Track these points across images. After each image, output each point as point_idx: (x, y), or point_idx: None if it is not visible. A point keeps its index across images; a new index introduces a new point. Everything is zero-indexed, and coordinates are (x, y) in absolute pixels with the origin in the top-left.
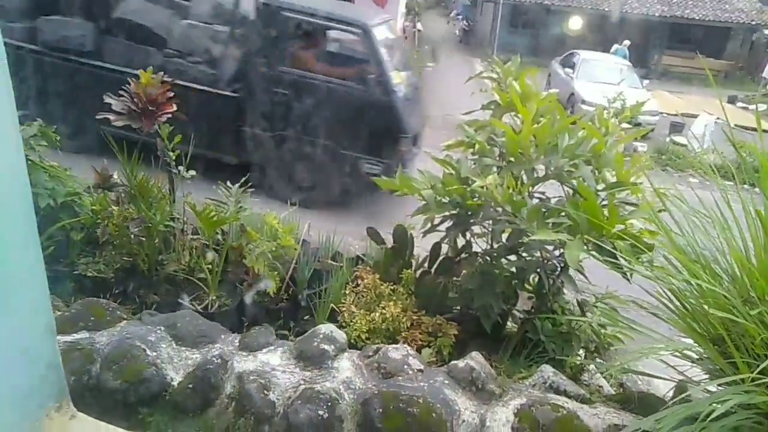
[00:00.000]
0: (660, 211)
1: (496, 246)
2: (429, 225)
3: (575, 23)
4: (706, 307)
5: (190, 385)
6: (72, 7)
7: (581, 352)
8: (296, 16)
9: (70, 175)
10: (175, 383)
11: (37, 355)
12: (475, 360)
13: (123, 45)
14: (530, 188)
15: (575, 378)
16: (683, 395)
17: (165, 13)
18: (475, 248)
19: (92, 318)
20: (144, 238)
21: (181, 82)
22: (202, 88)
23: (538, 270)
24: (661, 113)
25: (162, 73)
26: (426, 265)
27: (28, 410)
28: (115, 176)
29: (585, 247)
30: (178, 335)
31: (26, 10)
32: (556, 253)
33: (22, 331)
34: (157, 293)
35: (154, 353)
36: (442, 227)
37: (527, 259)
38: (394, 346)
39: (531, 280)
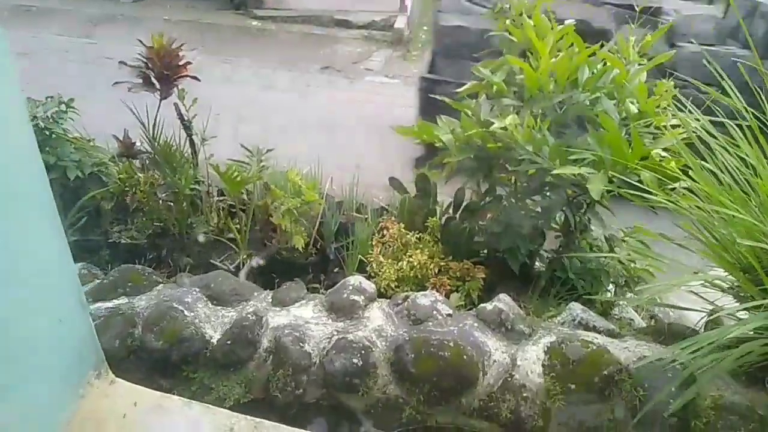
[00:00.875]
0: (684, 139)
1: (520, 187)
2: (451, 170)
3: None
4: (735, 236)
5: (228, 342)
6: None
7: (611, 287)
8: None
9: (94, 146)
10: (214, 341)
11: (73, 327)
12: (503, 302)
13: None
14: (551, 125)
15: (605, 313)
16: (711, 317)
17: None
18: (500, 191)
19: (129, 283)
20: (172, 203)
21: None
22: None
23: (564, 208)
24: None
25: None
26: (450, 211)
27: (70, 379)
28: (138, 144)
29: (609, 181)
30: (213, 295)
31: None
32: (581, 189)
33: (56, 308)
34: (189, 255)
35: (192, 313)
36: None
37: (552, 197)
38: (422, 293)
39: (557, 218)
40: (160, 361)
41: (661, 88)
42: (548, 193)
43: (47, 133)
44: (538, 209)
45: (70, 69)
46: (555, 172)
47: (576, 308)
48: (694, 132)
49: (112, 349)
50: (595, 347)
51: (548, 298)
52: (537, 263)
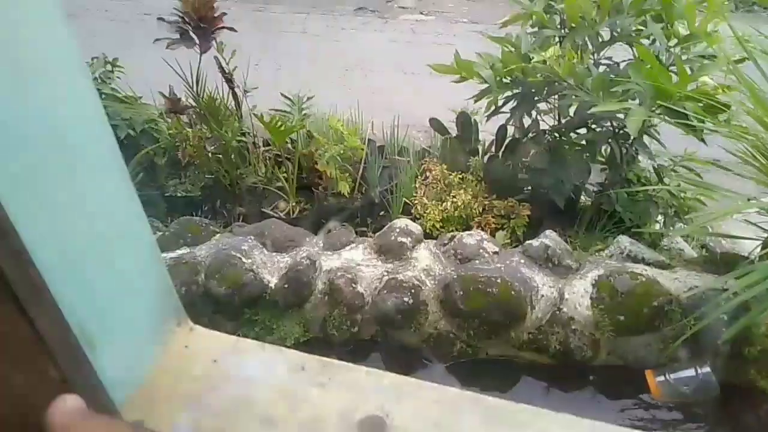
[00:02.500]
0: (739, 61)
1: (563, 121)
2: (492, 108)
3: None
4: None
5: (286, 286)
6: None
7: (660, 218)
8: None
9: (142, 103)
10: (272, 285)
11: (152, 281)
12: (549, 238)
13: None
14: (595, 55)
15: (655, 245)
16: None
17: None
18: (543, 126)
19: (189, 235)
20: (221, 155)
21: None
22: None
23: (609, 140)
24: None
25: None
26: (493, 149)
27: (154, 328)
28: (184, 99)
29: (653, 113)
30: (267, 242)
31: None
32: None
33: (136, 266)
34: (241, 205)
35: (249, 260)
36: (507, 108)
37: (597, 130)
38: (468, 232)
39: (603, 151)
40: (224, 305)
41: (712, 5)
42: (593, 126)
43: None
44: (583, 142)
45: (110, 28)
46: (595, 109)
47: (624, 241)
48: (750, 49)
49: (179, 296)
50: (644, 279)
51: (595, 233)
52: (583, 197)
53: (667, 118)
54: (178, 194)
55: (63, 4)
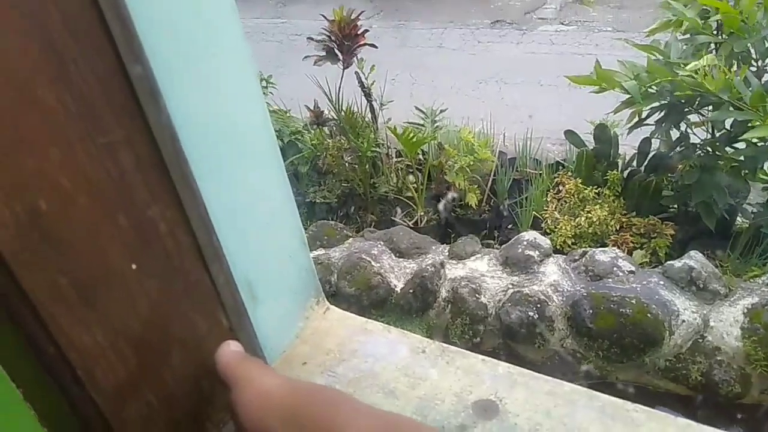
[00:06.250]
0: None
1: (718, 134)
2: (635, 119)
3: None
4: None
5: (411, 291)
6: None
7: None
8: None
9: (290, 116)
10: (398, 289)
11: (298, 263)
12: (694, 259)
13: None
14: (759, 62)
15: None
16: None
17: None
18: (693, 140)
19: (326, 237)
20: (356, 165)
21: None
22: None
23: None
24: None
25: None
26: (634, 163)
27: (298, 304)
28: (326, 112)
29: None
30: (396, 248)
31: None
32: None
33: (286, 246)
34: (373, 212)
35: (378, 264)
36: (652, 120)
37: (758, 145)
38: (601, 249)
39: (766, 168)
40: (354, 305)
41: None
42: (753, 140)
43: None
44: (741, 158)
45: (266, 48)
46: (748, 135)
47: None
48: None
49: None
50: None
51: (751, 258)
52: (739, 219)
53: None
54: (317, 200)
55: None
